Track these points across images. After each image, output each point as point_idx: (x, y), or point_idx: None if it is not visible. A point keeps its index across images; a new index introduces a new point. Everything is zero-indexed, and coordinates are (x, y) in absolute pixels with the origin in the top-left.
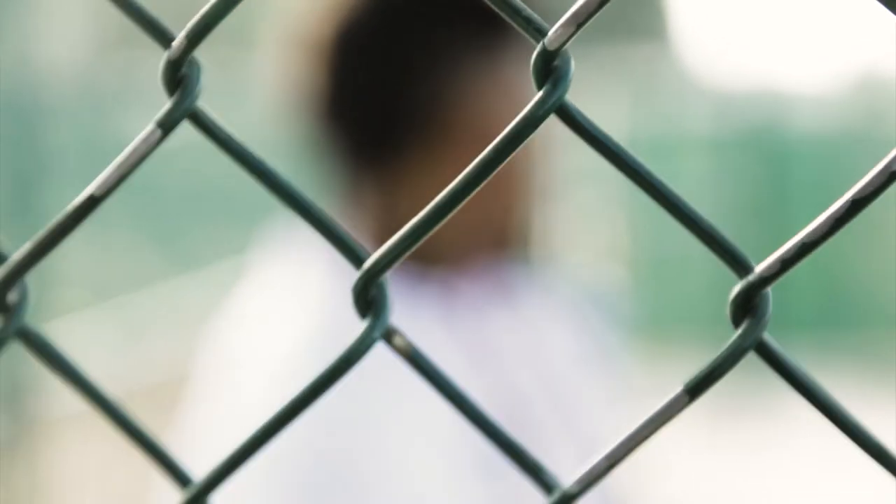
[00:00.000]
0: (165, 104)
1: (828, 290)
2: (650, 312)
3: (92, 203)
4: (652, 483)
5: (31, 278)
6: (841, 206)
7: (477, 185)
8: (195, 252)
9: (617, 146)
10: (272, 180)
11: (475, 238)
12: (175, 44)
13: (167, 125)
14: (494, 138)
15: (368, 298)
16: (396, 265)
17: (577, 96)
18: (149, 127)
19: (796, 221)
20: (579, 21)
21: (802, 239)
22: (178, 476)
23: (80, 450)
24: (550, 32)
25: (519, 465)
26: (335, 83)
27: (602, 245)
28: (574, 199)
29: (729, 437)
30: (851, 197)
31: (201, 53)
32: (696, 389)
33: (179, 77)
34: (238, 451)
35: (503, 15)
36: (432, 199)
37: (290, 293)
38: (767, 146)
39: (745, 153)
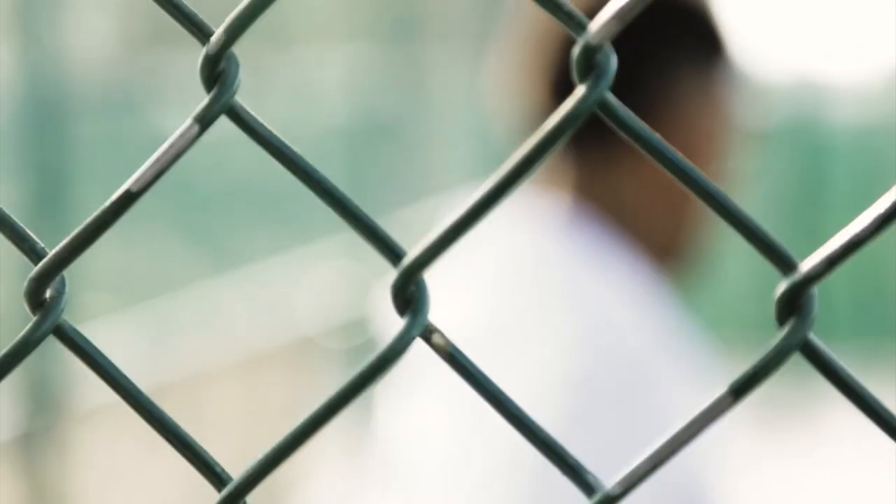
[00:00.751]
0: (203, 99)
1: (868, 296)
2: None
3: (129, 198)
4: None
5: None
6: (891, 205)
7: (517, 181)
8: (230, 252)
9: (658, 141)
10: (311, 176)
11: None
12: (213, 39)
13: (205, 120)
14: (697, 149)
15: (407, 296)
16: (437, 261)
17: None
18: (186, 122)
19: (835, 215)
20: (622, 16)
21: (850, 238)
22: (215, 475)
23: (111, 444)
24: (592, 28)
25: (559, 466)
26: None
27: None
28: None
29: (770, 445)
30: None
31: (239, 51)
32: (740, 390)
33: (217, 72)
34: (274, 452)
35: (544, 9)
36: (644, 192)
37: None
38: (806, 139)
39: (783, 146)
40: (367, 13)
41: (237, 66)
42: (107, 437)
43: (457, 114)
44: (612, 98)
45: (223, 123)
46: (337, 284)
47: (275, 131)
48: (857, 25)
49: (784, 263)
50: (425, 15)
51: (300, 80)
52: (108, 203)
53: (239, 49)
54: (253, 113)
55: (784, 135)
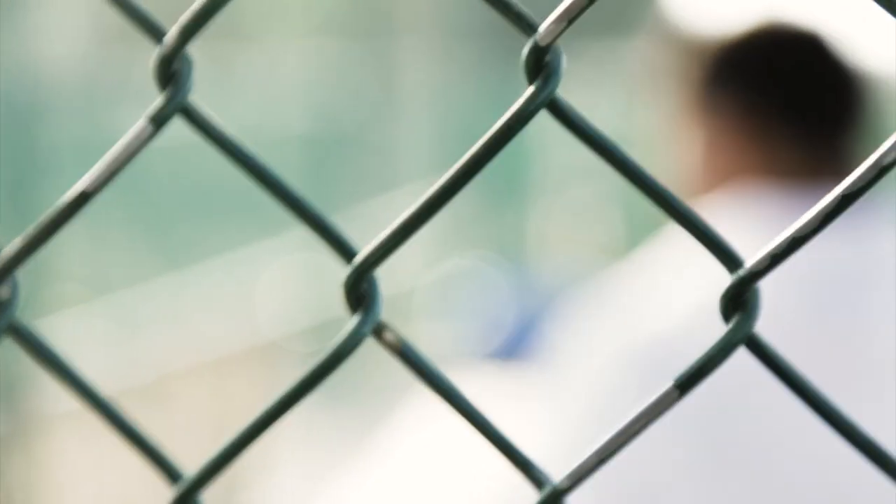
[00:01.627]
0: (157, 99)
1: None
2: None
3: (83, 198)
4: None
5: (27, 273)
6: (831, 201)
7: (467, 180)
8: (189, 248)
9: (607, 140)
10: (262, 175)
11: None
12: (167, 39)
13: (159, 120)
14: None
15: (359, 294)
16: (388, 258)
17: (574, 92)
18: (140, 122)
19: None
20: (570, 16)
21: (792, 234)
22: (169, 472)
23: (77, 446)
24: (541, 28)
25: (510, 460)
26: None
27: (593, 239)
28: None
29: None
30: (842, 192)
31: (196, 50)
32: (686, 384)
33: (171, 72)
34: (228, 448)
35: (496, 10)
36: None
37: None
38: None
39: None
40: (329, 10)
41: (191, 65)
42: (74, 439)
43: (422, 112)
44: (561, 97)
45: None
46: (302, 285)
47: (228, 130)
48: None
49: (729, 261)
50: (390, 11)
51: (263, 77)
52: (62, 203)
53: (200, 48)
54: (207, 112)
55: None
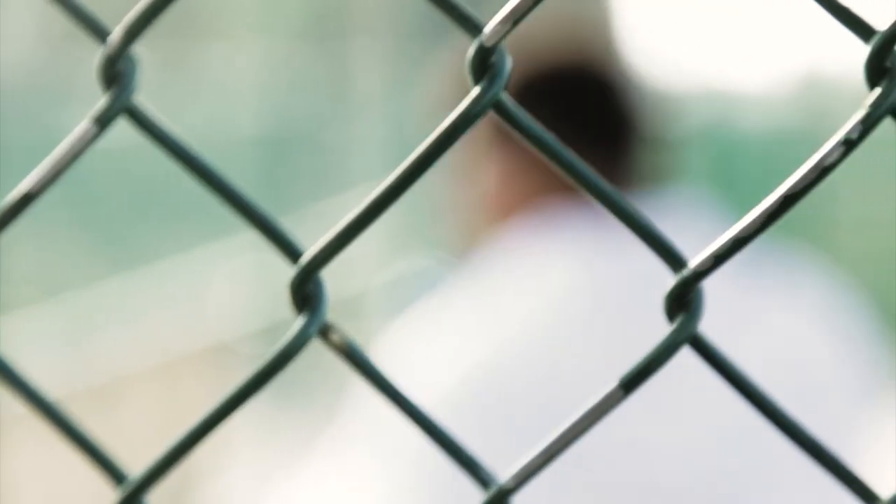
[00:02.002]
0: (101, 100)
1: None
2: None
3: (27, 199)
4: None
5: None
6: (774, 202)
7: (413, 181)
8: (140, 250)
9: (553, 141)
10: (207, 176)
11: None
12: (111, 39)
13: (103, 121)
14: None
15: (305, 294)
16: (334, 258)
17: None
18: (84, 123)
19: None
20: (516, 18)
21: (735, 235)
22: (113, 473)
23: (32, 449)
24: (487, 29)
25: (456, 461)
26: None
27: None
28: None
29: None
30: (784, 193)
31: (149, 50)
32: (630, 384)
33: (115, 73)
34: (174, 449)
35: (441, 11)
36: None
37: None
38: (715, 146)
39: (693, 154)
40: (283, 11)
41: (135, 66)
42: (26, 441)
43: (376, 112)
44: (506, 98)
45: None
46: (252, 286)
47: (173, 131)
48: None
49: (673, 260)
50: (344, 13)
51: (216, 78)
52: (5, 204)
53: (154, 48)
54: (152, 113)
55: (693, 143)
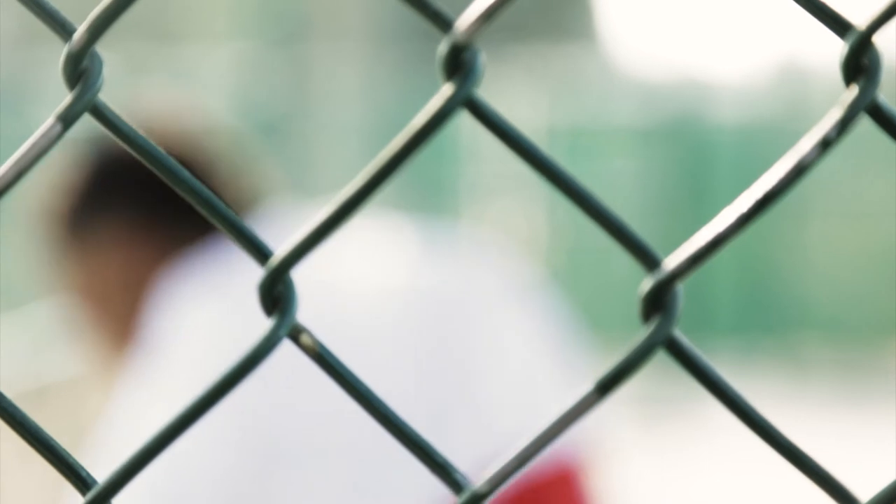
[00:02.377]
0: (65, 98)
1: (751, 293)
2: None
3: None
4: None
5: None
6: (752, 204)
7: (384, 180)
8: None
9: (525, 140)
10: (176, 175)
11: None
12: (76, 36)
13: (68, 119)
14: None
15: (275, 295)
16: (304, 259)
17: (501, 88)
18: (48, 121)
19: (718, 211)
20: (489, 14)
21: (714, 236)
22: (79, 479)
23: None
24: (459, 26)
25: (428, 464)
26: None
27: (522, 241)
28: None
29: (651, 439)
30: (762, 194)
31: (117, 51)
32: (606, 386)
33: (80, 70)
34: (140, 453)
35: (413, 9)
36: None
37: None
38: (690, 136)
39: (667, 143)
40: (254, 13)
41: (101, 64)
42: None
43: (349, 113)
44: (479, 96)
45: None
46: None
47: (139, 130)
48: (739, 24)
49: (648, 261)
50: (315, 15)
51: (184, 80)
52: None
53: (121, 49)
54: (117, 111)
55: (669, 132)
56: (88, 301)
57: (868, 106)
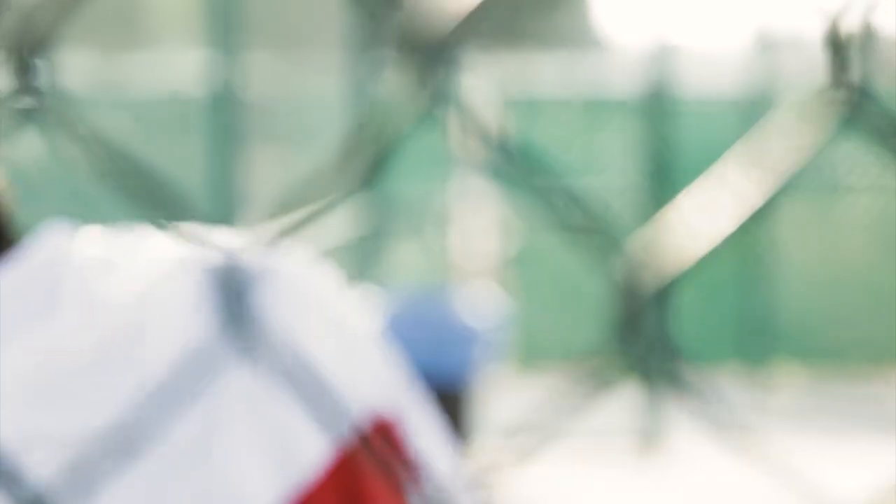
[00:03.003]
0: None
1: (721, 316)
2: (528, 337)
3: None
4: None
5: None
6: (729, 223)
7: (361, 184)
8: None
9: (495, 132)
10: (140, 174)
11: None
12: (29, 39)
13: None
14: None
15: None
16: None
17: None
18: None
19: (691, 179)
20: (464, 20)
21: (690, 258)
22: None
23: None
24: (433, 37)
25: None
26: None
27: (484, 270)
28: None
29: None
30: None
31: (87, 57)
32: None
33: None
34: None
35: (386, 15)
36: None
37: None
38: (666, 105)
39: (643, 112)
40: (228, 18)
41: (52, 68)
42: None
43: (324, 118)
44: (452, 91)
45: None
46: None
47: (98, 131)
48: None
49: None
50: (291, 22)
51: (153, 83)
52: None
53: (91, 51)
54: (75, 114)
55: (642, 103)
56: None
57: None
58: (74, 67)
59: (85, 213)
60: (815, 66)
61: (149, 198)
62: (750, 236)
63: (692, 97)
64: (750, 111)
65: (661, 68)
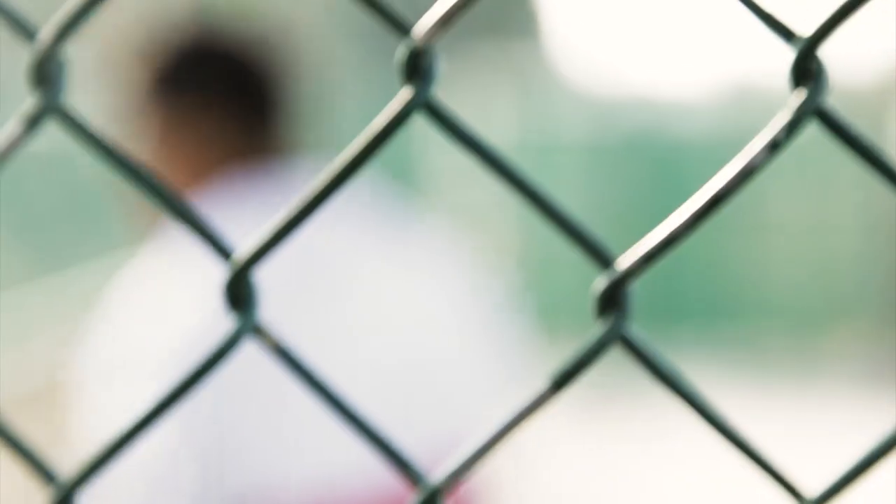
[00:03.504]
0: (30, 100)
1: (713, 285)
2: (538, 308)
3: None
4: (527, 471)
5: None
6: (703, 203)
7: (344, 181)
8: (61, 253)
9: (481, 141)
10: (137, 174)
11: None
12: (40, 39)
13: (31, 121)
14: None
15: (237, 293)
16: (267, 258)
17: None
18: (12, 123)
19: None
20: (447, 18)
21: (665, 236)
22: (45, 473)
23: None
24: (418, 30)
25: (388, 458)
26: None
27: (492, 241)
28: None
29: (601, 426)
30: (713, 195)
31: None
32: (560, 382)
33: (44, 73)
34: (108, 449)
35: (372, 13)
36: None
37: (173, 291)
38: (643, 153)
39: (620, 160)
40: (210, 12)
41: (64, 66)
42: None
43: (307, 113)
44: (437, 100)
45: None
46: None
47: (103, 131)
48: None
49: (601, 259)
50: (273, 13)
51: None
52: None
53: (85, 52)
54: (81, 113)
55: (622, 149)
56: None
57: (815, 109)
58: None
59: (80, 210)
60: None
61: (164, 205)
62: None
63: (671, 143)
64: (727, 157)
65: (638, 116)
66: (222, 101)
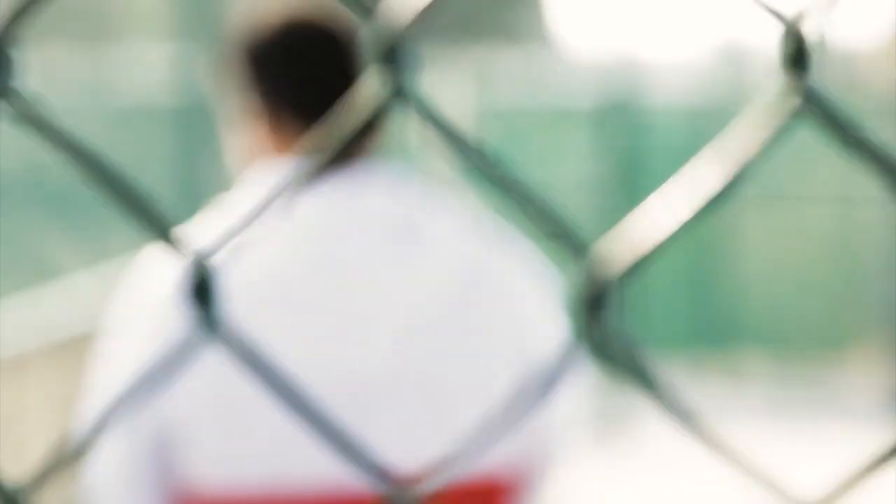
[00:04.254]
0: None
1: (697, 308)
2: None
3: None
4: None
5: None
6: (687, 210)
7: (321, 169)
8: (50, 260)
9: (457, 129)
10: (92, 164)
11: None
12: None
13: None
14: None
15: (201, 288)
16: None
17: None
18: None
19: (654, 187)
20: (425, 8)
21: (653, 243)
22: None
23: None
24: (396, 21)
25: (354, 459)
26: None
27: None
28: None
29: (604, 457)
30: (706, 197)
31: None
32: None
33: None
34: (65, 454)
35: (347, 7)
36: None
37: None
38: (628, 116)
39: (606, 123)
40: (193, 13)
41: (17, 50)
42: None
43: None
44: (413, 88)
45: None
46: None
47: (56, 119)
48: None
49: (576, 250)
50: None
51: (124, 77)
52: None
53: (61, 46)
54: (33, 99)
55: (608, 112)
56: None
57: (804, 96)
58: (41, 64)
59: (59, 213)
60: (775, 75)
61: (118, 196)
62: (710, 226)
63: (654, 107)
64: (711, 121)
65: (623, 79)
66: (313, 83)
